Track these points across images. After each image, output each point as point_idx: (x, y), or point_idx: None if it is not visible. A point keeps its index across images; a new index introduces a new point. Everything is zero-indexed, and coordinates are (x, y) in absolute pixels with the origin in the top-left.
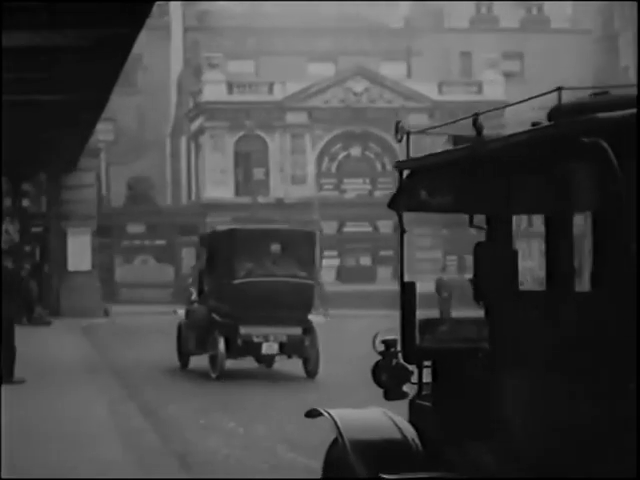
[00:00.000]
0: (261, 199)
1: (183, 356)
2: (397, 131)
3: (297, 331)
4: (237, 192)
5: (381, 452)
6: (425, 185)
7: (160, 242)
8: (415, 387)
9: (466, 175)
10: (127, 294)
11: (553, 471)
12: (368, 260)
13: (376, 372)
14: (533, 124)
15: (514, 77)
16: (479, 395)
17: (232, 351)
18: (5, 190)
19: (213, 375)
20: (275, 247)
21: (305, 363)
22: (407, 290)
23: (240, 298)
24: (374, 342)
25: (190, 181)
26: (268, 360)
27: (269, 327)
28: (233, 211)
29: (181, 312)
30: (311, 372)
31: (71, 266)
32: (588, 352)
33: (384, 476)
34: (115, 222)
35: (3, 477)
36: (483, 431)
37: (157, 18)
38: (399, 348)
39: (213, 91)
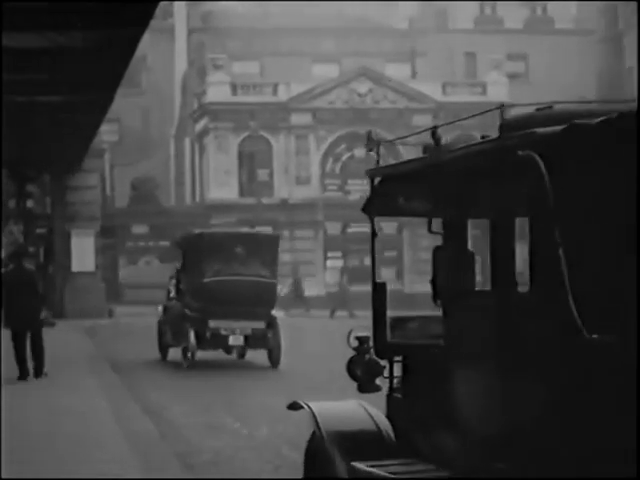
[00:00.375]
0: (265, 200)
1: (162, 349)
2: (368, 141)
3: (261, 325)
4: (241, 193)
5: (355, 442)
6: (395, 191)
7: (164, 243)
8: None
9: (427, 182)
10: (131, 295)
11: (506, 457)
12: None
13: (350, 367)
14: (482, 137)
15: (518, 78)
16: (438, 387)
17: (202, 343)
18: (10, 191)
19: (185, 365)
20: (241, 249)
21: (269, 354)
22: (378, 290)
23: (209, 295)
24: (348, 338)
25: (194, 182)
26: (237, 351)
27: (235, 321)
28: (237, 212)
29: (160, 309)
30: (274, 362)
31: (75, 267)
32: (526, 349)
33: (355, 464)
34: (119, 223)
35: (3, 477)
36: (443, 421)
37: (161, 19)
38: (372, 344)
39: (217, 92)
